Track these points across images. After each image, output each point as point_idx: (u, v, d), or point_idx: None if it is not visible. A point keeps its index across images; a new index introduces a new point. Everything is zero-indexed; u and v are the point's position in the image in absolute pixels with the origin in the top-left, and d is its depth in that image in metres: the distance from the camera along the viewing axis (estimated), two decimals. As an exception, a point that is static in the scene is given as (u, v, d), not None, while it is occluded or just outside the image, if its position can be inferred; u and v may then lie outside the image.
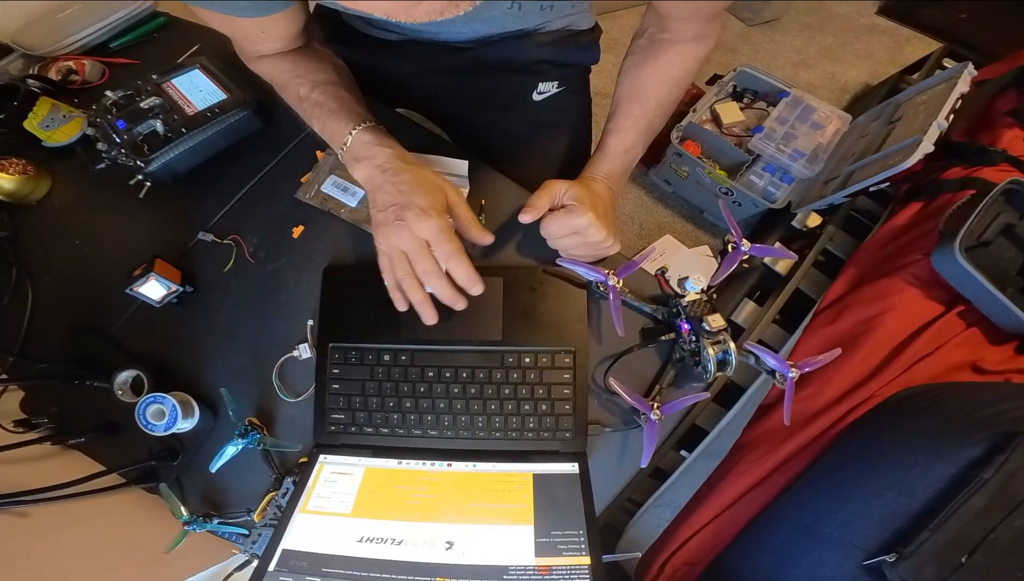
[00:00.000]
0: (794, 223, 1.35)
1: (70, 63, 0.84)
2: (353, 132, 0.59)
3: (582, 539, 0.53)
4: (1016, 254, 0.94)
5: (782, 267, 1.27)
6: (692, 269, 0.65)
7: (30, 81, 0.79)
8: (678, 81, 0.66)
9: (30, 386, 0.64)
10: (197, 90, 0.75)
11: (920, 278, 0.96)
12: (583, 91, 0.86)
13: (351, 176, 0.68)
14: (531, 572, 0.51)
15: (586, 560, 0.51)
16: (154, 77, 0.75)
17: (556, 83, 0.80)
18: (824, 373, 0.90)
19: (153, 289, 0.62)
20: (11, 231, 0.70)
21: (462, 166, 0.65)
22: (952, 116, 1.16)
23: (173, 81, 0.75)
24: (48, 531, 0.55)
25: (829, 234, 1.27)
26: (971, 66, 1.27)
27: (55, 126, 0.76)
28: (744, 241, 0.63)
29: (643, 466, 0.59)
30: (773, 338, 1.20)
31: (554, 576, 0.50)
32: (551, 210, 0.61)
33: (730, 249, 0.64)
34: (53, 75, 0.83)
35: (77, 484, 0.56)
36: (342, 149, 0.60)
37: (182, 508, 0.57)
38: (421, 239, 0.53)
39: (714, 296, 0.63)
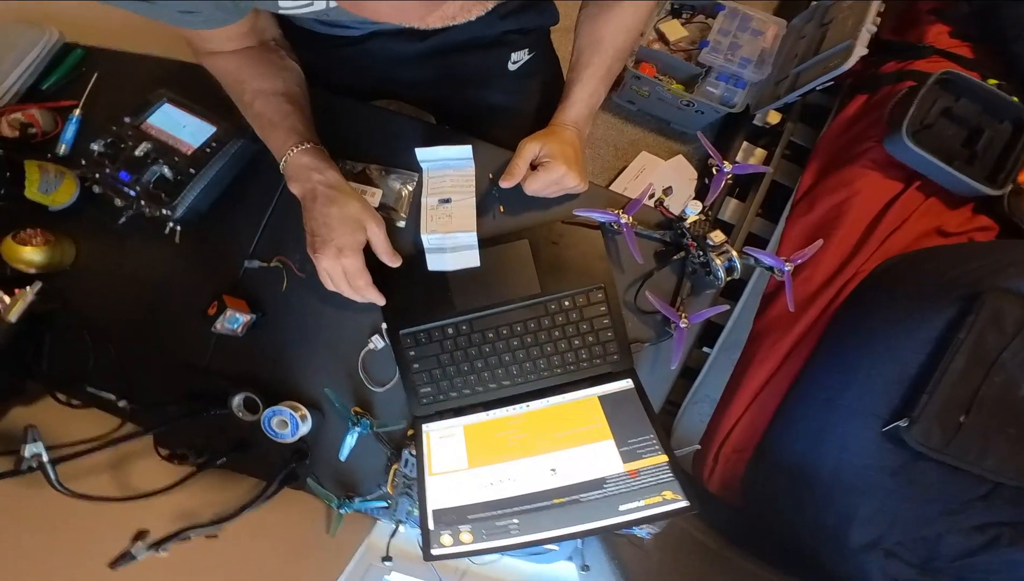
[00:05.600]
0: (756, 122, 1.45)
1: (18, 115, 0.79)
2: (292, 153, 0.64)
3: (654, 441, 0.62)
4: (957, 131, 1.05)
5: (757, 161, 1.42)
6: (674, 181, 0.73)
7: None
8: (631, 28, 0.71)
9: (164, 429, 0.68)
10: (180, 126, 0.73)
11: (877, 162, 1.06)
12: (550, 51, 0.90)
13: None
14: (624, 478, 0.60)
15: (664, 458, 0.60)
16: (127, 120, 0.72)
17: (527, 50, 0.83)
18: (811, 259, 1.00)
19: (234, 323, 0.67)
20: (60, 301, 0.72)
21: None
22: (879, 18, 1.23)
23: (149, 121, 0.73)
24: (238, 541, 0.63)
25: (790, 129, 1.39)
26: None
27: (53, 189, 0.73)
28: (725, 163, 0.71)
29: (673, 368, 0.69)
30: (759, 229, 1.35)
31: (642, 477, 0.59)
32: (531, 168, 0.68)
33: (715, 172, 0.72)
34: (7, 132, 0.78)
35: (255, 501, 0.64)
36: (282, 164, 0.65)
37: (332, 496, 0.65)
38: (337, 269, 0.63)
39: (710, 214, 0.72)
